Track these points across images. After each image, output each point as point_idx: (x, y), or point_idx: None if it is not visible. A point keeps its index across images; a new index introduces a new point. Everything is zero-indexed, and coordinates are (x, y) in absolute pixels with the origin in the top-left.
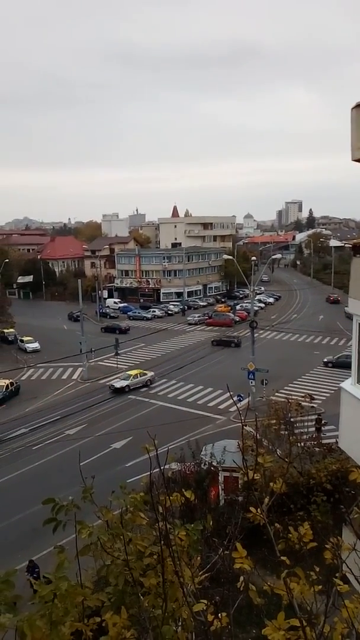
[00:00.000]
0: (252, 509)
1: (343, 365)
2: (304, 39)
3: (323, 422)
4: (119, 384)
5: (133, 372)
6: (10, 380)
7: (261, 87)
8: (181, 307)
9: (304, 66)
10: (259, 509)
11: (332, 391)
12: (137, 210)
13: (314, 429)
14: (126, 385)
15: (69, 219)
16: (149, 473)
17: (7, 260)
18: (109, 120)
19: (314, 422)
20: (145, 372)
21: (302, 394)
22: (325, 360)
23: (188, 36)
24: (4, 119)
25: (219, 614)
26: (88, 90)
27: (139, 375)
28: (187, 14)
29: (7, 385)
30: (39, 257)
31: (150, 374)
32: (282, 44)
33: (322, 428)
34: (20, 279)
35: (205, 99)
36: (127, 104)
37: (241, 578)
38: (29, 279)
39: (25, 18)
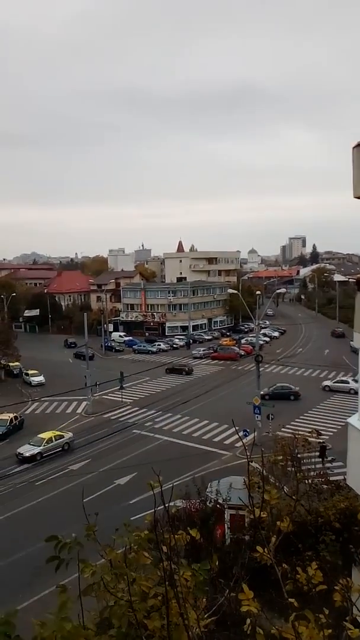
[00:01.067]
0: (259, 548)
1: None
2: (303, 80)
3: (327, 447)
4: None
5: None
6: (15, 414)
7: (262, 126)
8: (186, 340)
9: (304, 106)
10: (266, 549)
11: (340, 426)
12: (142, 245)
13: (319, 456)
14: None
15: (76, 253)
16: (153, 510)
17: (14, 294)
18: (116, 158)
19: (318, 450)
20: (62, 433)
21: (309, 429)
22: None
23: (188, 79)
24: (13, 156)
25: None
26: (94, 129)
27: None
28: (187, 57)
29: (11, 419)
30: (45, 291)
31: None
32: (282, 85)
33: (326, 454)
34: (27, 313)
35: (208, 137)
36: (133, 143)
37: (248, 621)
38: (36, 312)
39: (29, 61)
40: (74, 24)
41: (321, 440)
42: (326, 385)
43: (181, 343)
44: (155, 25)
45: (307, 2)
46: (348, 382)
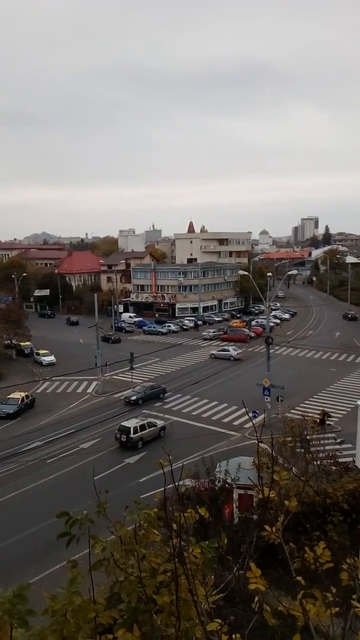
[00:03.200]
0: (267, 527)
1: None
2: (313, 58)
3: (336, 437)
4: (133, 396)
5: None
6: (26, 393)
7: (273, 106)
8: (194, 321)
9: (314, 85)
10: (274, 528)
11: (349, 409)
12: (153, 226)
13: (319, 423)
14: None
15: (87, 234)
16: (163, 489)
17: (24, 274)
18: (126, 138)
19: (319, 415)
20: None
21: (318, 411)
22: None
23: (199, 57)
24: (24, 136)
25: (233, 635)
26: (104, 109)
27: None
28: (197, 35)
29: (23, 398)
30: (56, 271)
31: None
32: (292, 63)
33: (326, 421)
34: (37, 293)
35: (218, 117)
36: (142, 123)
37: (256, 598)
38: (46, 292)
39: (38, 39)
40: (76, 3)
41: (329, 423)
42: None
43: (191, 324)
44: (160, 3)
45: None
46: None
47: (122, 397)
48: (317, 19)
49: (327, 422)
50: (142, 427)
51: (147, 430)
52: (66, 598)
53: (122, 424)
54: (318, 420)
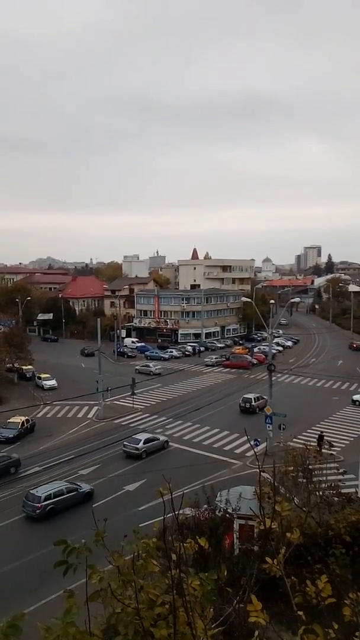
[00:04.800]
0: (268, 559)
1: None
2: (313, 92)
3: (326, 441)
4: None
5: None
6: (26, 417)
7: (274, 136)
8: (197, 347)
9: (314, 116)
10: (275, 560)
11: (352, 438)
12: (157, 252)
13: (317, 443)
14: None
15: (91, 259)
16: (162, 518)
17: (29, 297)
18: (130, 166)
19: (317, 439)
20: None
21: (321, 440)
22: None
23: (201, 89)
24: (29, 162)
25: None
26: (107, 139)
27: None
28: (200, 67)
29: (23, 422)
30: (60, 295)
31: None
32: (293, 96)
33: (323, 443)
34: (40, 316)
35: (221, 147)
36: (145, 152)
37: (256, 633)
38: (49, 316)
39: (42, 70)
40: (82, 34)
41: (332, 452)
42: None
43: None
44: (163, 36)
45: (312, 14)
46: None
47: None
48: (315, 53)
49: (330, 452)
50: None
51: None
52: (61, 629)
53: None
54: (317, 443)
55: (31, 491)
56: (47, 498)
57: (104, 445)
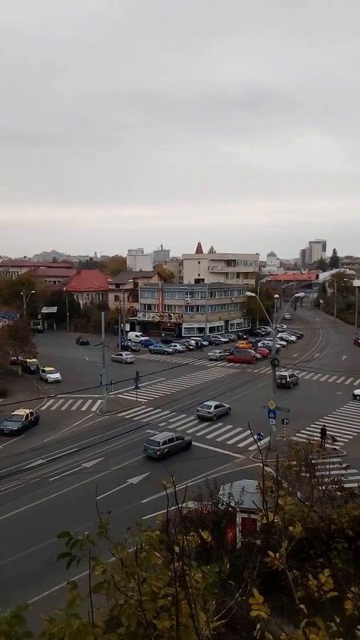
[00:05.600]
0: (270, 553)
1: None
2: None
3: (329, 436)
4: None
5: None
6: (30, 410)
7: (279, 129)
8: (200, 341)
9: (318, 110)
10: (277, 554)
11: (355, 433)
12: (161, 246)
13: (320, 437)
14: None
15: (95, 252)
16: (165, 511)
17: (33, 291)
18: (135, 159)
19: (319, 433)
20: None
21: (324, 435)
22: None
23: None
24: (35, 155)
25: None
26: (112, 132)
27: None
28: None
29: (27, 415)
30: (64, 289)
31: None
32: (296, 89)
33: (326, 437)
34: (45, 310)
35: (226, 140)
36: (149, 145)
37: (257, 626)
38: (53, 309)
39: (44, 62)
40: (85, 26)
41: (335, 447)
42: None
43: (193, 344)
44: (167, 30)
45: (319, 7)
46: None
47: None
48: (317, 46)
49: (333, 447)
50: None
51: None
52: (64, 621)
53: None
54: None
55: (151, 438)
56: (164, 443)
57: (108, 438)
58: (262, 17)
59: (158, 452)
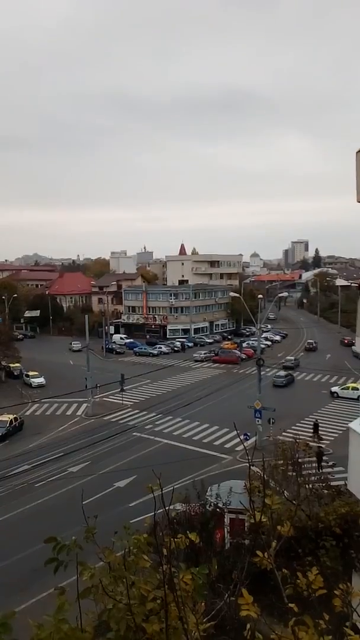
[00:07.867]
0: (259, 553)
1: None
2: (294, 87)
3: (328, 460)
4: None
5: None
6: (15, 415)
7: (257, 132)
8: (184, 343)
9: (295, 112)
10: (266, 553)
11: (341, 431)
12: (144, 248)
13: (316, 462)
14: None
15: (78, 255)
16: (153, 514)
17: (15, 295)
18: (115, 162)
19: (312, 427)
20: None
21: (310, 434)
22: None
23: (182, 84)
24: (15, 159)
25: None
26: (90, 135)
27: None
28: (182, 64)
29: (11, 420)
30: (47, 292)
31: None
32: (274, 92)
33: (323, 461)
34: (27, 314)
35: (206, 143)
36: (131, 149)
37: (247, 626)
38: (36, 313)
39: (20, 65)
40: (60, 30)
41: (321, 445)
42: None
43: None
44: (142, 35)
45: (290, 12)
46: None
47: None
48: (290, 50)
49: (319, 445)
50: None
51: None
52: (53, 626)
53: None
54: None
55: (277, 373)
56: (285, 376)
57: (94, 442)
58: (236, 21)
59: None
